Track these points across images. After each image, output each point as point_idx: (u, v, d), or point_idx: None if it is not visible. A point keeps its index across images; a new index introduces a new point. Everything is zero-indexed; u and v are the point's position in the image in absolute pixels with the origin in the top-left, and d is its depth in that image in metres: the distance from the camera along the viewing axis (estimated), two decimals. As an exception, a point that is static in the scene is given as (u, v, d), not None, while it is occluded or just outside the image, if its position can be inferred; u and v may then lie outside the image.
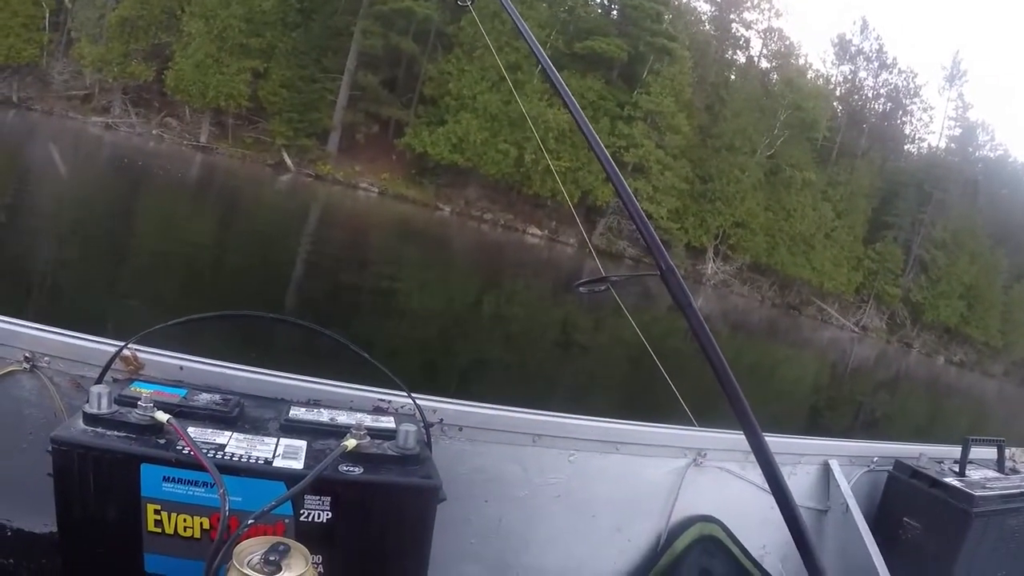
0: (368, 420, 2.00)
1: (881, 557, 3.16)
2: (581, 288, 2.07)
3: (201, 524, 1.63)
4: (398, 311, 16.15)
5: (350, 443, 1.76)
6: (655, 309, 18.16)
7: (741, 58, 59.47)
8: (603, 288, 2.04)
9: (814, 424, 16.64)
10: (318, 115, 43.66)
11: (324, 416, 2.00)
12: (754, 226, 51.73)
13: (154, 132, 40.67)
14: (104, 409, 1.68)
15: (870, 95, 62.78)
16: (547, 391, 11.97)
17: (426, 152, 44.74)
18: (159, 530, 1.63)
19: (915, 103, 63.11)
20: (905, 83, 62.56)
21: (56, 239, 13.83)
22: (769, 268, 52.95)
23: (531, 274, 31.84)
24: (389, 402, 2.36)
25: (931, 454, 3.62)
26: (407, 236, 32.55)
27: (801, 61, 61.77)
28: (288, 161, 42.52)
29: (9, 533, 2.22)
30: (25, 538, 2.21)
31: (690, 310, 1.77)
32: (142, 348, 2.17)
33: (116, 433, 1.65)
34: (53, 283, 10.97)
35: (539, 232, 46.65)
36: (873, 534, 3.26)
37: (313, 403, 2.18)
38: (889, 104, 62.58)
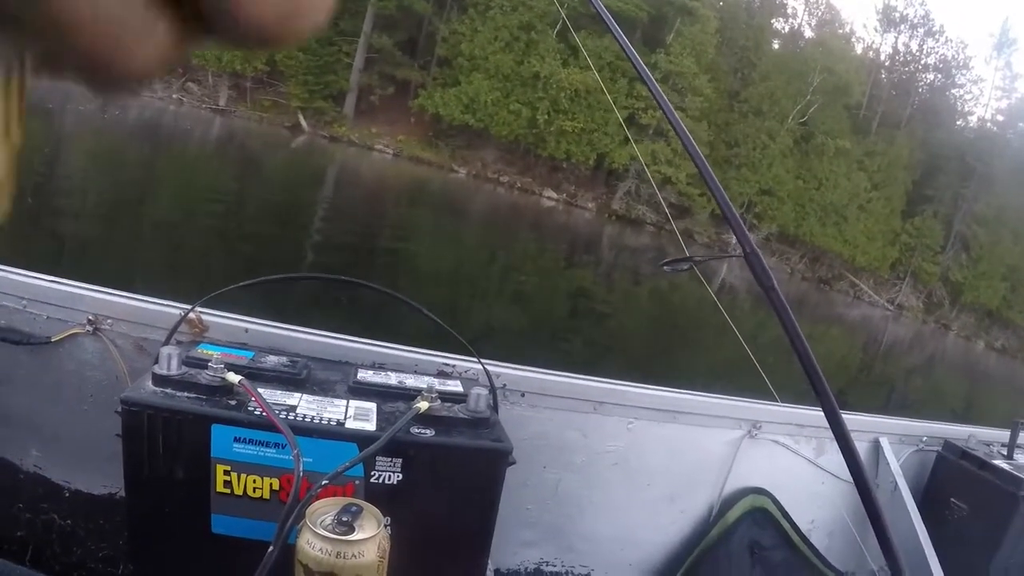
0: (436, 384, 2.06)
1: (928, 537, 3.21)
2: (665, 267, 2.15)
3: (271, 485, 1.69)
4: (414, 273, 16.21)
5: (423, 405, 1.83)
6: (680, 284, 18.21)
7: (782, 25, 58.89)
8: (686, 268, 2.12)
9: (844, 406, 16.48)
10: (334, 77, 43.69)
11: (392, 379, 2.07)
12: (782, 194, 51.20)
13: (174, 96, 40.83)
14: (174, 370, 1.74)
15: (918, 66, 61.86)
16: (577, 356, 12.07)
17: (438, 114, 44.81)
18: (228, 491, 1.70)
19: (964, 75, 62.25)
20: (955, 54, 61.63)
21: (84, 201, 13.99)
22: (798, 239, 52.33)
23: (551, 241, 31.75)
24: (453, 366, 2.44)
25: (980, 436, 3.67)
26: (423, 198, 32.61)
27: (847, 29, 61.16)
28: (304, 123, 42.63)
29: (67, 494, 2.31)
30: (84, 499, 2.30)
31: (773, 292, 1.84)
32: (207, 311, 2.25)
33: (186, 394, 1.71)
34: (89, 246, 11.10)
35: (555, 196, 46.64)
36: (920, 513, 3.32)
37: (378, 366, 2.25)
38: (939, 76, 61.72)
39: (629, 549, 3.10)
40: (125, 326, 2.20)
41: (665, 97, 2.09)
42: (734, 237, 1.96)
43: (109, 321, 2.19)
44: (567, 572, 3.01)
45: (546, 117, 44.04)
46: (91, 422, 1.85)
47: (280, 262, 12.08)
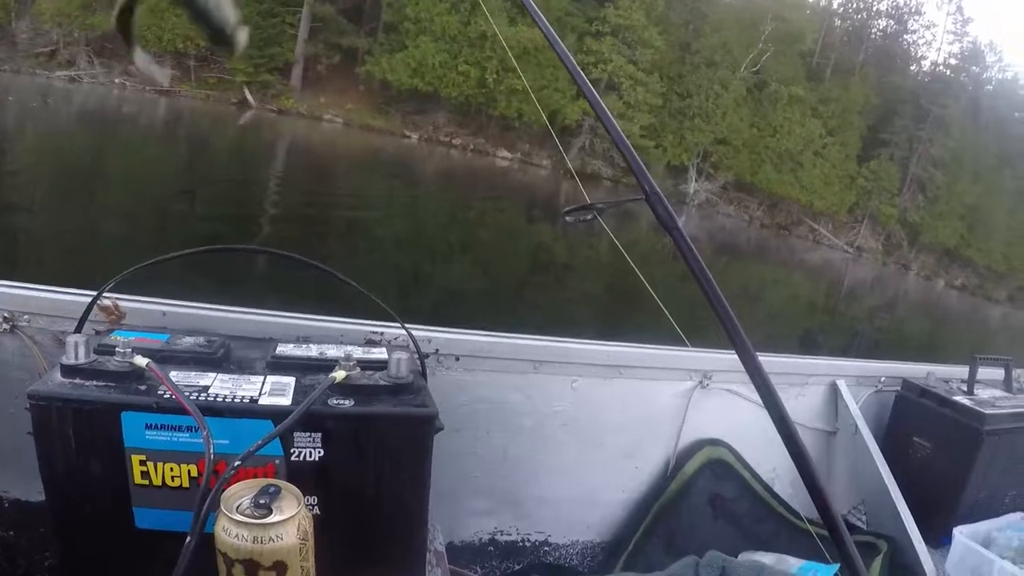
0: (359, 352, 1.99)
1: (892, 477, 3.20)
2: (568, 217, 2.06)
3: (189, 471, 1.61)
4: (371, 241, 16.20)
5: (339, 374, 1.75)
6: (636, 231, 18.30)
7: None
8: (590, 217, 2.03)
9: (809, 349, 16.70)
10: (279, 49, 43.11)
11: (313, 351, 1.98)
12: (737, 143, 51.52)
13: (116, 81, 40.28)
14: (82, 359, 1.65)
15: (871, 12, 62.45)
16: (529, 317, 12.10)
17: (387, 80, 44.57)
18: (146, 482, 1.61)
19: (916, 20, 62.87)
20: (907, 0, 62.31)
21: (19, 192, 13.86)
22: (755, 187, 52.68)
23: (508, 201, 31.86)
24: (381, 334, 2.36)
25: (939, 374, 3.67)
26: (374, 165, 32.60)
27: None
28: (250, 98, 42.18)
29: (6, 504, 2.24)
30: (22, 507, 2.22)
31: (676, 232, 1.77)
32: (123, 296, 2.16)
33: (95, 383, 1.62)
34: (23, 239, 10.99)
35: (509, 155, 46.88)
36: (883, 454, 3.31)
37: (302, 340, 2.16)
38: (891, 22, 62.31)
39: (587, 510, 3.07)
40: (43, 320, 2.11)
41: (564, 47, 2.00)
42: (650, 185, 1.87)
43: (26, 317, 2.10)
44: (523, 539, 2.98)
45: (495, 76, 43.91)
46: (21, 426, 1.76)
47: (235, 240, 11.96)
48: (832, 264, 46.18)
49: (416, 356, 2.12)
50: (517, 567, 2.97)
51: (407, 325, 2.29)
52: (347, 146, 37.10)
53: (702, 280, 1.71)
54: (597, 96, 1.93)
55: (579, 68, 1.95)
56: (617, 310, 14.24)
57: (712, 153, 51.26)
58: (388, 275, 12.43)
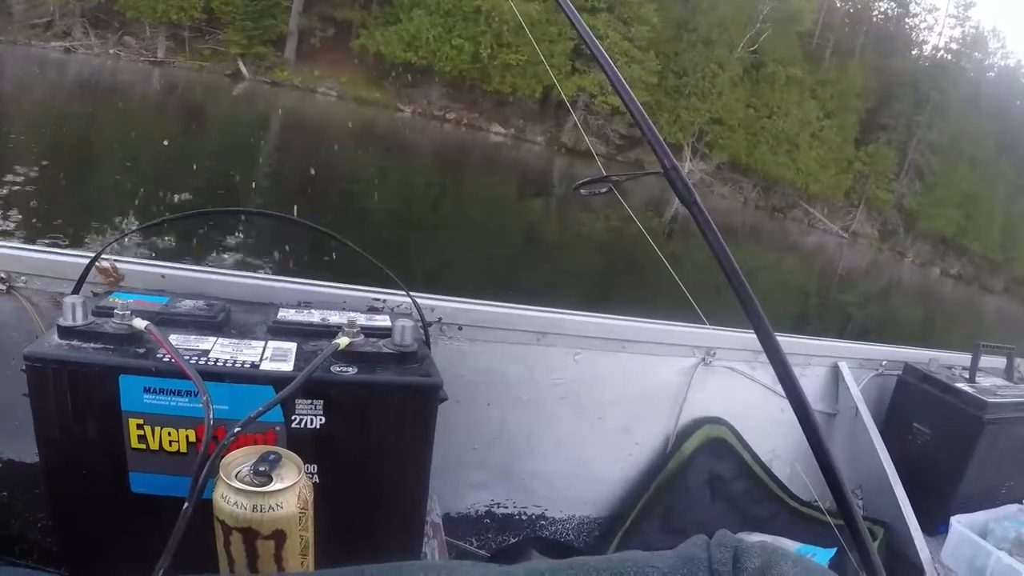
0: (362, 319, 1.97)
1: (891, 462, 3.20)
2: (582, 190, 2.03)
3: (187, 437, 1.59)
4: (363, 213, 16.18)
5: (342, 341, 1.72)
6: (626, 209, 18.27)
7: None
8: (604, 190, 2.00)
9: (801, 332, 16.57)
10: (273, 22, 42.96)
11: (315, 317, 1.96)
12: (732, 123, 51.36)
13: (111, 52, 40.10)
14: (80, 321, 1.62)
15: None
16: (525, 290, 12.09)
17: (380, 53, 44.35)
18: (143, 446, 1.59)
19: (918, 3, 62.83)
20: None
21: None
22: (750, 168, 52.57)
23: (501, 176, 31.85)
24: (384, 301, 2.34)
25: (941, 360, 3.68)
26: (369, 138, 32.58)
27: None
28: (244, 70, 42.03)
29: (1, 465, 2.21)
30: (18, 468, 2.19)
31: (696, 208, 1.74)
32: (121, 259, 2.13)
33: (92, 345, 1.60)
34: (22, 202, 10.98)
35: (503, 130, 46.77)
36: (882, 438, 3.30)
37: (304, 305, 2.14)
38: (893, 4, 62.18)
39: (584, 485, 3.06)
40: (40, 281, 2.09)
41: (578, 14, 1.97)
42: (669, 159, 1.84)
43: (23, 278, 2.07)
44: (520, 513, 2.97)
45: (489, 51, 43.75)
46: (17, 387, 1.75)
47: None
48: (826, 248, 46.21)
49: (420, 324, 2.10)
50: (513, 540, 2.96)
51: (412, 293, 2.27)
52: (341, 119, 37.02)
53: (720, 256, 1.69)
54: (611, 62, 1.90)
55: (591, 33, 1.91)
56: (611, 286, 14.26)
57: (707, 133, 51.14)
58: (380, 247, 12.37)
